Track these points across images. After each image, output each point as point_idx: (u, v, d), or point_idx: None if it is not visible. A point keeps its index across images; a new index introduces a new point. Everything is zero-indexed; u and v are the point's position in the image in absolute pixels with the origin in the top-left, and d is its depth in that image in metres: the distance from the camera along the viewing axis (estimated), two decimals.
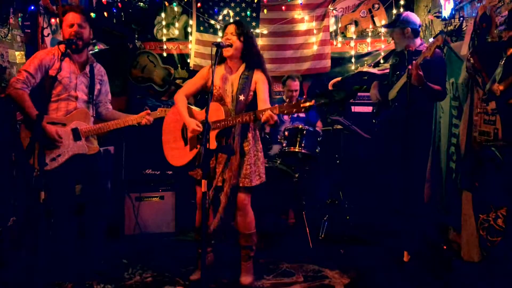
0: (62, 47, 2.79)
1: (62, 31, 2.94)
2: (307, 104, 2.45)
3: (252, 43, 2.92)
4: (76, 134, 2.89)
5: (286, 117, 4.59)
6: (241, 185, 2.86)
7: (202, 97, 3.04)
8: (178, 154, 2.97)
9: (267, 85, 2.89)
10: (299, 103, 2.48)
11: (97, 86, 3.09)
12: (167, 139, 3.06)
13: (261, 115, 2.61)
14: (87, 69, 3.01)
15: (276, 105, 2.60)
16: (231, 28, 2.87)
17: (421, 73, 2.99)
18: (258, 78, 2.89)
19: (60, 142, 2.82)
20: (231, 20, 5.34)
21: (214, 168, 2.89)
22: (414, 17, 3.44)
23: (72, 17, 2.88)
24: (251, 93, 2.90)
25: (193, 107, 3.04)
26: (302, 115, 4.63)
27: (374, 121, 3.75)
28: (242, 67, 2.92)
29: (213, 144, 2.75)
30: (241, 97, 2.85)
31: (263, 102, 2.82)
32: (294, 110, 2.51)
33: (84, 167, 2.95)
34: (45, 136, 2.76)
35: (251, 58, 2.92)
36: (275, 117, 2.59)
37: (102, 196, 3.10)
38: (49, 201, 2.73)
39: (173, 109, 3.08)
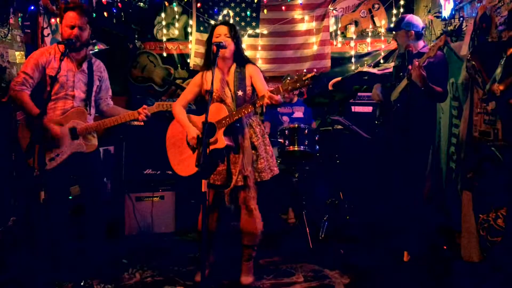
0: (61, 47, 2.79)
1: (61, 28, 2.89)
2: (309, 75, 2.43)
3: (241, 43, 2.98)
4: (74, 133, 2.89)
5: (285, 118, 4.60)
6: (258, 180, 2.87)
7: (201, 100, 3.02)
8: (187, 164, 2.92)
9: (261, 75, 2.93)
10: (300, 76, 2.45)
11: (97, 83, 3.07)
12: (173, 153, 3.03)
13: (263, 100, 2.60)
14: (85, 66, 2.98)
15: (279, 85, 2.56)
16: (224, 30, 2.87)
17: (424, 73, 3.00)
18: (252, 72, 2.91)
19: (60, 142, 2.83)
20: (231, 20, 5.35)
21: (228, 169, 2.87)
22: (417, 20, 3.45)
23: (73, 17, 2.83)
24: (249, 88, 2.91)
25: (192, 115, 3.02)
26: (300, 115, 4.62)
27: (376, 122, 3.74)
28: (233, 66, 2.94)
29: (222, 143, 2.76)
30: (240, 93, 2.87)
31: (263, 92, 2.81)
32: (298, 85, 2.47)
33: (80, 165, 2.94)
34: (50, 136, 2.78)
35: (240, 56, 2.95)
36: (276, 97, 2.56)
37: (100, 194, 3.10)
38: (47, 200, 2.75)
39: (172, 124, 3.06)
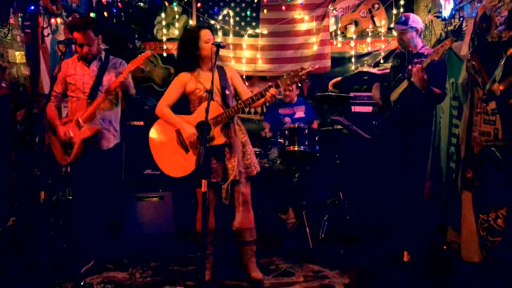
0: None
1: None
2: (304, 71, 2.65)
3: None
4: (78, 123, 3.06)
5: (287, 119, 4.59)
6: (248, 175, 2.93)
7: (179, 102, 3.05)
8: (181, 164, 2.87)
9: (239, 76, 3.10)
10: (297, 71, 2.67)
11: (112, 78, 3.19)
12: (161, 154, 2.94)
13: (265, 93, 2.72)
14: (94, 64, 3.14)
15: (278, 80, 2.72)
16: (208, 34, 2.91)
17: (425, 77, 3.00)
18: (232, 74, 3.04)
19: (71, 139, 3.04)
20: (231, 20, 5.37)
21: (224, 164, 2.87)
22: (419, 17, 3.48)
23: (79, 38, 3.01)
24: (232, 87, 3.02)
25: (180, 115, 3.00)
26: (301, 115, 4.62)
27: (374, 122, 3.74)
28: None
29: (220, 139, 2.80)
30: (227, 92, 2.95)
31: (246, 92, 3.01)
32: (296, 79, 2.67)
33: (99, 162, 3.11)
34: (62, 139, 3.04)
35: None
36: (276, 93, 2.75)
37: (115, 192, 3.33)
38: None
39: (156, 125, 3.00)
